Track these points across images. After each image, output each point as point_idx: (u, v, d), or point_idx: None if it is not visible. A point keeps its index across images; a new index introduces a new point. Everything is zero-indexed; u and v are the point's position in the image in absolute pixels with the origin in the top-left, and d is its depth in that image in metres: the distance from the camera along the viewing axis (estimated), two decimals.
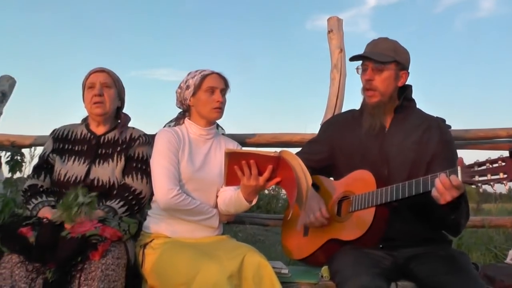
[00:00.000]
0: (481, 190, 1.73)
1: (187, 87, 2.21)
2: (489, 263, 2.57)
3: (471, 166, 1.68)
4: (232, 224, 3.20)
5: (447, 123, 2.20)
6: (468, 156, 1.84)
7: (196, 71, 2.24)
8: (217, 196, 2.21)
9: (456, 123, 2.71)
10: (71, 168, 2.22)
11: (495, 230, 3.39)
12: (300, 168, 1.83)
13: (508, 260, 2.55)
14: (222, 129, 2.44)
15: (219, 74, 2.23)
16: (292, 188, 1.84)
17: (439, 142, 2.06)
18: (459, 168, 1.69)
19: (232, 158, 1.86)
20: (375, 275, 1.78)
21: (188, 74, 2.25)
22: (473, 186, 1.71)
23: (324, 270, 2.09)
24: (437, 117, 2.18)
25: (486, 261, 2.70)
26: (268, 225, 3.00)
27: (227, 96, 2.26)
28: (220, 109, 2.20)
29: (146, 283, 2.02)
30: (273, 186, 4.64)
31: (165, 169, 2.08)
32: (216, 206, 2.20)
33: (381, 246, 2.00)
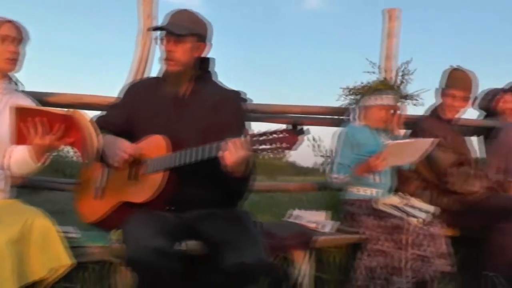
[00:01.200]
0: (268, 156, 1.94)
1: None
2: (272, 222, 2.90)
3: (256, 135, 1.81)
4: (33, 193, 3.06)
5: (245, 96, 2.38)
6: (264, 128, 2.02)
7: None
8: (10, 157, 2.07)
9: (260, 98, 2.99)
10: None
11: (286, 195, 3.83)
12: (90, 130, 1.81)
13: (288, 219, 2.92)
14: (22, 84, 2.28)
15: (13, 22, 2.06)
16: (84, 149, 1.83)
17: (233, 113, 2.19)
18: (245, 137, 1.82)
19: (20, 114, 1.76)
20: (162, 235, 1.85)
21: None
22: (261, 154, 1.91)
23: (115, 233, 2.11)
24: (233, 90, 2.30)
25: (271, 221, 3.04)
26: (66, 190, 2.89)
27: (28, 49, 2.12)
28: (14, 60, 2.05)
29: None
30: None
31: None
32: (3, 167, 2.07)
33: (170, 208, 2.09)
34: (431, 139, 2.74)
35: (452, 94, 2.99)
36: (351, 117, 2.96)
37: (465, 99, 3.02)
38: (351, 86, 3.03)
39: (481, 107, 3.75)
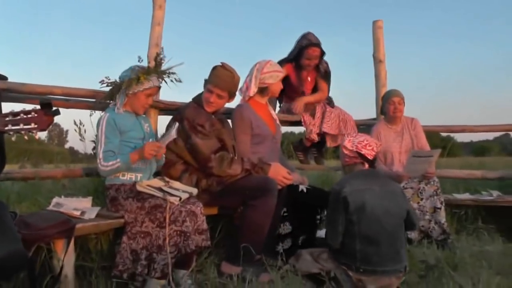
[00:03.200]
0: (12, 137, 1.82)
1: None
2: (31, 212, 2.72)
3: (6, 115, 1.75)
4: None
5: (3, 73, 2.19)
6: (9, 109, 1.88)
7: None
8: None
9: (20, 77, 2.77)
10: None
11: (51, 182, 3.62)
12: None
13: (50, 207, 2.77)
14: None
15: None
16: None
17: None
18: None
19: None
20: None
21: None
22: (9, 135, 1.79)
23: None
24: None
25: (32, 210, 2.86)
26: None
27: None
28: None
29: None
30: None
31: None
32: None
33: None
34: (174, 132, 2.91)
35: (213, 91, 3.18)
36: (117, 104, 2.93)
37: (224, 98, 3.24)
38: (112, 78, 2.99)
39: None
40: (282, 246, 3.27)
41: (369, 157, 2.83)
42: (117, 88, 2.95)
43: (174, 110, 3.50)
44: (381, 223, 2.61)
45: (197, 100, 3.29)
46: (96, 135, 2.89)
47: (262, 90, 3.52)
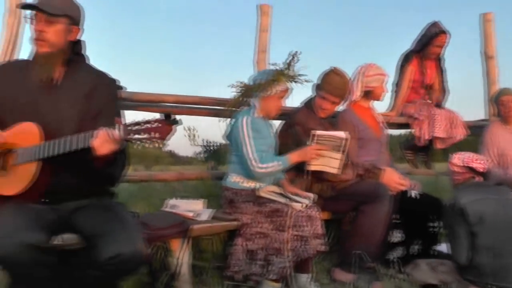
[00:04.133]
0: (137, 146, 1.90)
1: None
2: (148, 212, 2.86)
3: (130, 124, 1.79)
4: None
5: (120, 84, 2.30)
6: (138, 116, 1.98)
7: None
8: None
9: (133, 86, 2.91)
10: None
11: (163, 184, 3.79)
12: None
13: (165, 208, 2.90)
14: None
15: None
16: None
17: (106, 99, 2.13)
18: (118, 125, 1.79)
19: None
20: (36, 229, 1.77)
21: None
22: (134, 144, 1.87)
23: None
24: (108, 76, 2.23)
25: (148, 211, 3.00)
26: None
27: None
28: None
29: None
30: None
31: None
32: None
33: (45, 200, 1.99)
34: (342, 133, 2.89)
35: (326, 98, 3.13)
36: (252, 109, 2.94)
37: (336, 103, 3.20)
38: (239, 81, 3.03)
39: None
40: (394, 255, 3.15)
41: (480, 170, 2.70)
42: (248, 92, 2.97)
43: (283, 115, 3.50)
44: (506, 234, 2.43)
45: (308, 104, 3.28)
46: (230, 140, 2.92)
47: (366, 94, 3.45)
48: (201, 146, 3.60)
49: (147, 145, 1.83)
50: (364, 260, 2.83)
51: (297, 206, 2.71)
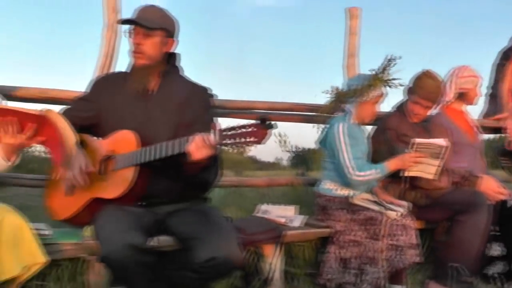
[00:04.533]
0: (234, 150, 1.93)
1: None
2: (241, 217, 2.90)
3: (225, 130, 1.80)
4: None
5: (213, 93, 2.36)
6: (229, 123, 2.01)
7: None
8: None
9: (224, 94, 2.97)
10: None
11: (253, 189, 3.84)
12: (65, 129, 1.80)
13: (257, 214, 2.92)
14: None
15: None
16: (57, 148, 1.81)
17: (199, 108, 2.19)
18: (213, 131, 1.82)
19: None
20: (136, 231, 1.86)
21: None
22: (229, 149, 1.90)
23: (87, 230, 2.10)
24: (200, 86, 2.30)
25: (240, 216, 3.04)
26: (34, 187, 2.83)
27: None
28: None
29: None
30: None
31: None
32: None
33: (142, 203, 2.08)
34: (442, 141, 2.78)
35: (419, 103, 3.01)
36: (348, 115, 2.86)
37: (429, 108, 3.07)
38: (334, 86, 2.99)
39: None
40: (494, 270, 2.94)
41: None
42: (343, 98, 2.92)
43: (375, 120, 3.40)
44: None
45: (400, 109, 3.16)
46: (325, 146, 2.90)
47: (459, 96, 3.29)
48: (291, 152, 3.58)
49: (241, 149, 1.85)
50: (461, 273, 2.68)
51: (392, 214, 2.62)
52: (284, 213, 2.91)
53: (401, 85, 2.93)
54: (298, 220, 2.83)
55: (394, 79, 2.86)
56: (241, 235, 2.36)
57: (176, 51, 2.27)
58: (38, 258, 1.83)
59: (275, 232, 2.52)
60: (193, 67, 2.39)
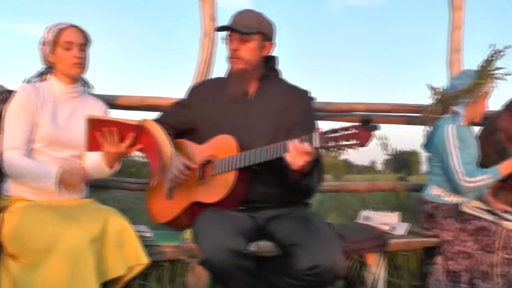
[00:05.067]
0: (336, 154, 1.86)
1: (46, 43, 2.08)
2: (342, 223, 2.81)
3: (326, 132, 1.78)
4: (100, 191, 3.13)
5: (312, 95, 2.32)
6: (330, 126, 1.96)
7: (54, 25, 2.09)
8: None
9: (323, 96, 2.90)
10: None
11: (353, 194, 3.73)
12: (162, 137, 1.87)
13: (359, 220, 2.81)
14: (92, 87, 2.34)
15: (76, 28, 2.10)
16: (155, 155, 1.87)
17: (300, 111, 2.17)
18: (315, 134, 1.80)
19: (93, 124, 1.83)
20: (236, 235, 1.86)
21: (46, 29, 2.09)
22: (331, 152, 1.85)
23: (187, 233, 2.14)
24: (300, 88, 2.28)
25: (341, 222, 2.96)
26: (136, 190, 2.98)
27: (90, 51, 2.16)
28: (79, 65, 2.09)
29: (4, 250, 1.87)
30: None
31: (11, 130, 1.99)
32: None
33: (242, 208, 2.08)
34: None
35: None
36: (457, 116, 2.66)
37: None
38: (437, 87, 2.82)
39: None
40: None
41: None
42: (449, 99, 2.72)
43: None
44: None
45: (510, 107, 2.91)
46: (431, 149, 2.75)
47: None
48: (392, 155, 3.43)
49: (344, 152, 1.79)
50: None
51: (509, 225, 2.41)
52: (387, 220, 2.78)
53: (507, 74, 2.66)
54: (402, 228, 2.69)
55: (499, 68, 2.62)
56: (344, 242, 2.28)
57: (274, 54, 2.25)
58: (141, 259, 1.90)
59: (379, 240, 2.41)
60: (291, 70, 2.36)
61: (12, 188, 2.00)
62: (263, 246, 2.10)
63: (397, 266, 2.82)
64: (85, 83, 2.26)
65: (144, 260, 1.89)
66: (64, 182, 1.91)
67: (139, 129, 1.83)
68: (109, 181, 2.82)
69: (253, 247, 2.03)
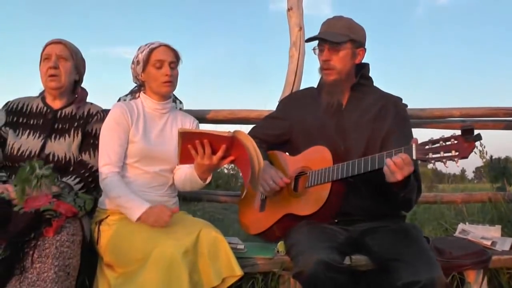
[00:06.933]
0: (434, 166, 1.77)
1: (138, 62, 2.15)
2: (439, 236, 2.66)
3: (425, 143, 1.72)
4: (190, 203, 3.21)
5: (404, 102, 2.24)
6: (424, 133, 1.88)
7: (146, 44, 2.16)
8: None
9: (413, 103, 2.78)
10: (25, 142, 2.13)
11: (447, 206, 3.53)
12: (253, 149, 1.85)
13: (456, 234, 2.65)
14: (181, 102, 2.39)
15: (167, 46, 2.15)
16: (246, 167, 1.87)
17: (394, 120, 2.10)
18: (413, 145, 1.73)
19: (185, 137, 1.85)
20: (330, 249, 1.81)
21: (138, 49, 2.17)
22: (429, 164, 1.76)
23: (280, 245, 2.13)
24: (393, 96, 2.21)
25: (437, 235, 2.80)
26: (225, 202, 3.02)
27: (180, 68, 2.21)
28: (170, 83, 2.14)
29: (102, 260, 1.97)
30: (233, 166, 4.64)
31: (106, 147, 2.07)
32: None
33: (336, 221, 2.04)
34: None
35: None
36: None
37: None
38: None
39: None
40: None
41: None
42: None
43: None
44: None
45: None
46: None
47: None
48: (489, 163, 3.22)
49: (444, 164, 1.70)
50: None
51: None
52: (487, 234, 2.59)
53: None
54: (506, 243, 2.49)
55: None
56: (443, 258, 2.16)
57: (364, 61, 2.19)
58: (235, 271, 1.89)
59: (481, 256, 2.24)
60: (379, 76, 2.27)
61: (107, 202, 2.08)
62: (358, 260, 2.04)
63: (501, 284, 2.62)
64: (175, 99, 2.31)
65: (238, 272, 1.89)
66: (148, 220, 1.93)
67: (231, 141, 1.84)
68: (201, 194, 2.88)
69: (347, 260, 1.97)
